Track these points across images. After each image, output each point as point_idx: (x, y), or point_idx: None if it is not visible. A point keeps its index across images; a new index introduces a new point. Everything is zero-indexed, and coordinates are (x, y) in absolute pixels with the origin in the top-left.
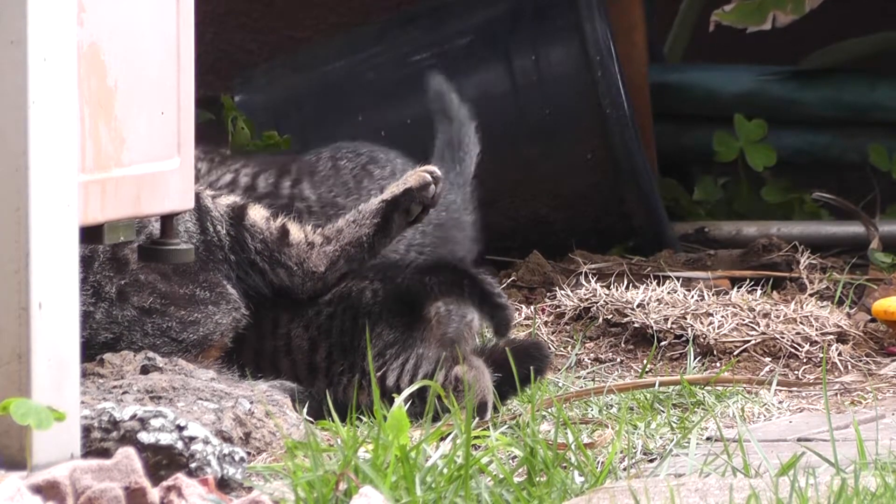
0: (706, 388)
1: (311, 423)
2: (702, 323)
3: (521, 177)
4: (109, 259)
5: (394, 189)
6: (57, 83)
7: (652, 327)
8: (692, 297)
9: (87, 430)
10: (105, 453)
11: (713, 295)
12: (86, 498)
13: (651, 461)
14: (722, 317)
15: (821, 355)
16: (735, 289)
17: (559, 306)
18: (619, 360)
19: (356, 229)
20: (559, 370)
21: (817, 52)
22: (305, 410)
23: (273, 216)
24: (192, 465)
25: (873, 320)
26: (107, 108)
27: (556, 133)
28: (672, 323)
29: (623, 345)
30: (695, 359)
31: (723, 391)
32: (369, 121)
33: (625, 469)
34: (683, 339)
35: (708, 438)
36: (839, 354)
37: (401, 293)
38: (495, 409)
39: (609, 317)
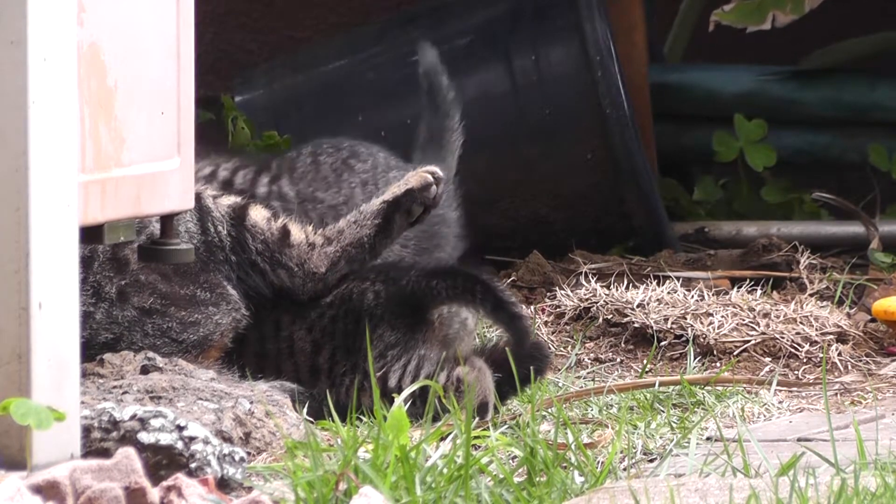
0: (706, 388)
1: (311, 423)
2: (702, 323)
3: (521, 177)
4: (110, 259)
5: (395, 189)
6: (57, 83)
7: (652, 327)
8: (692, 297)
9: (87, 430)
10: (105, 453)
11: (713, 295)
12: (86, 498)
13: (651, 461)
14: (722, 317)
15: (821, 355)
16: (735, 289)
17: (559, 306)
18: (619, 360)
19: (357, 230)
20: (559, 370)
21: (817, 52)
22: (305, 410)
23: (274, 217)
24: (192, 465)
25: (873, 320)
26: (107, 108)
27: (556, 133)
28: (672, 323)
29: (623, 345)
30: (695, 359)
31: (723, 391)
32: (369, 121)
33: (625, 469)
34: (683, 339)
35: (708, 438)
36: (839, 354)
37: (405, 295)
38: (495, 409)
39: (609, 317)
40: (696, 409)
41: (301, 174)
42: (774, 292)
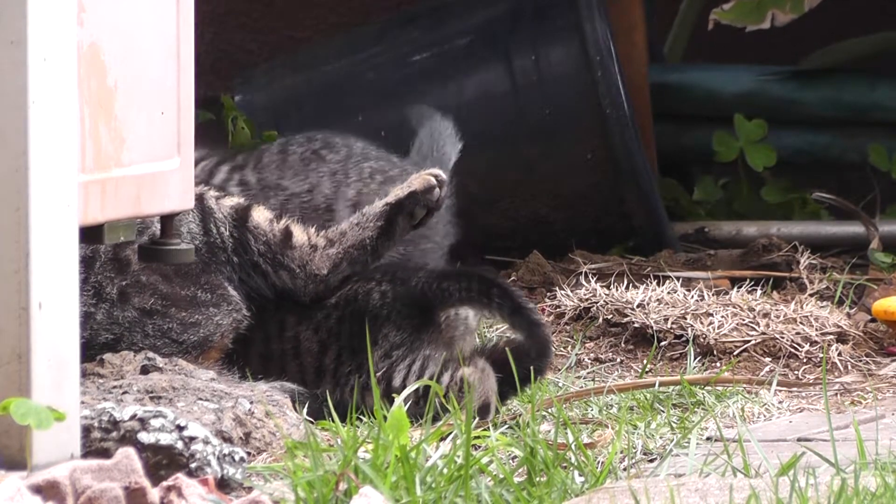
0: (706, 388)
1: (312, 423)
2: (702, 323)
3: (521, 177)
4: (111, 260)
5: (398, 192)
6: (57, 83)
7: (652, 327)
8: (692, 297)
9: (87, 430)
10: (105, 453)
11: (713, 295)
12: (86, 498)
13: (651, 461)
14: (722, 317)
15: (821, 355)
16: (735, 289)
17: (559, 306)
18: (619, 360)
19: (359, 232)
20: (559, 370)
21: (817, 52)
22: (305, 411)
23: (276, 218)
24: (192, 465)
25: (873, 320)
26: (107, 108)
27: (556, 133)
28: (672, 323)
29: (623, 345)
30: (695, 359)
31: (723, 391)
32: (369, 121)
33: (625, 469)
34: (683, 339)
35: (708, 438)
36: (839, 354)
37: (413, 296)
38: (496, 409)
39: (609, 317)
40: (696, 409)
41: (266, 163)
42: (774, 292)
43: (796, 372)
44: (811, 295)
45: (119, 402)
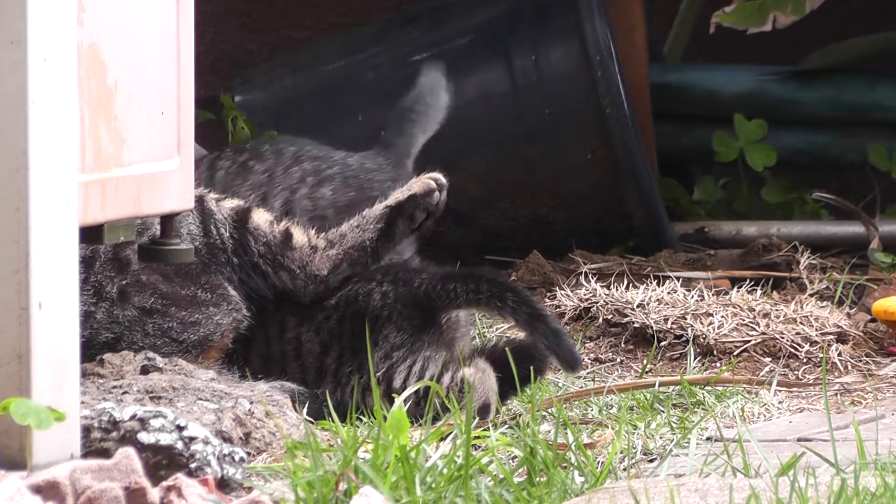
0: (706, 388)
1: (312, 423)
2: (702, 323)
3: (521, 177)
4: (111, 259)
5: (398, 195)
6: (57, 83)
7: (652, 327)
8: (692, 297)
9: (87, 430)
10: (105, 453)
11: (713, 295)
12: (86, 498)
13: (651, 461)
14: (722, 317)
15: (821, 355)
16: (735, 289)
17: (559, 306)
18: (619, 360)
19: (360, 234)
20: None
21: (817, 52)
22: (305, 411)
23: (277, 220)
24: (192, 465)
25: (873, 320)
26: (107, 108)
27: (556, 133)
28: (672, 323)
29: (623, 345)
30: (695, 359)
31: (723, 391)
32: (369, 121)
33: (625, 469)
34: (683, 339)
35: (708, 438)
36: (839, 354)
37: (416, 297)
38: (496, 410)
39: (609, 317)
40: (696, 409)
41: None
42: (774, 292)
43: (796, 372)
44: (811, 295)
45: (119, 402)
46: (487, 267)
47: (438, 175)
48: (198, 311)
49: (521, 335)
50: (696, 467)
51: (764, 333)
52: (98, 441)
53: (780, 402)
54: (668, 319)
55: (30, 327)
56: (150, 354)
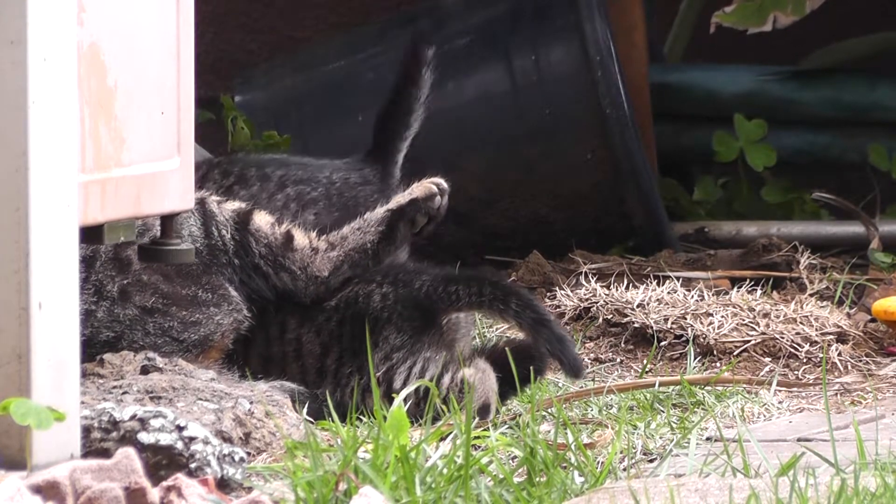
0: (706, 388)
1: (311, 423)
2: (702, 323)
3: (521, 177)
4: (112, 259)
5: (399, 199)
6: (57, 83)
7: (652, 327)
8: (692, 297)
9: (87, 430)
10: (105, 453)
11: (713, 295)
12: (86, 498)
13: (651, 461)
14: (722, 317)
15: (821, 355)
16: (735, 289)
17: (559, 306)
18: (619, 360)
19: (361, 236)
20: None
21: (817, 52)
22: (305, 411)
23: (278, 222)
24: (192, 466)
25: (873, 320)
26: (107, 108)
27: (556, 133)
28: (672, 323)
29: (623, 345)
30: (695, 359)
31: (723, 391)
32: (369, 121)
33: (625, 469)
34: (683, 339)
35: (708, 438)
36: (839, 354)
37: (417, 299)
38: (496, 410)
39: (609, 317)
40: (696, 409)
41: None
42: (774, 292)
43: (796, 372)
44: (811, 295)
45: (119, 402)
46: (489, 268)
47: (440, 180)
48: (198, 310)
49: (522, 335)
50: (696, 467)
51: (764, 333)
52: (98, 441)
53: (780, 402)
54: (668, 319)
55: (30, 327)
56: (150, 354)
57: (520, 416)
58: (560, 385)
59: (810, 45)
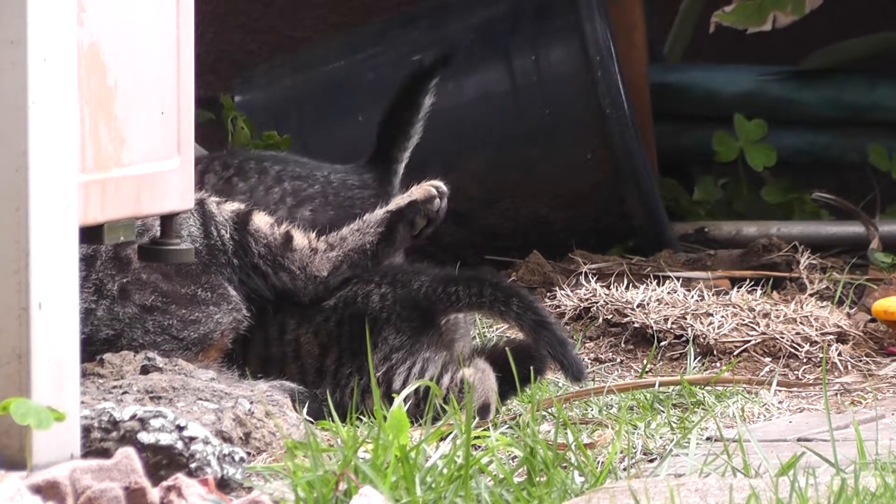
0: (706, 388)
1: (311, 423)
2: (702, 323)
3: (521, 177)
4: (112, 258)
5: (399, 201)
6: (57, 83)
7: (652, 327)
8: (692, 297)
9: (87, 430)
10: (105, 453)
11: (713, 295)
12: (86, 498)
13: (651, 461)
14: (722, 317)
15: (821, 355)
16: (735, 289)
17: (559, 306)
18: (619, 360)
19: (360, 237)
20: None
21: (817, 52)
22: (305, 411)
23: (277, 223)
24: (192, 465)
25: (873, 320)
26: (107, 108)
27: (556, 133)
28: (672, 323)
29: (623, 345)
30: (695, 359)
31: (723, 391)
32: (369, 121)
33: (625, 469)
34: (683, 339)
35: (708, 438)
36: (839, 354)
37: (416, 299)
38: (496, 410)
39: (609, 317)
40: (696, 409)
41: None
42: (774, 292)
43: (796, 372)
44: (811, 295)
45: (119, 402)
46: (489, 268)
47: (439, 183)
48: (198, 309)
49: (522, 336)
50: (696, 467)
51: (764, 333)
52: (98, 441)
53: (780, 402)
54: (668, 319)
55: (30, 327)
56: (150, 354)
57: (520, 416)
58: (560, 385)
59: (810, 45)
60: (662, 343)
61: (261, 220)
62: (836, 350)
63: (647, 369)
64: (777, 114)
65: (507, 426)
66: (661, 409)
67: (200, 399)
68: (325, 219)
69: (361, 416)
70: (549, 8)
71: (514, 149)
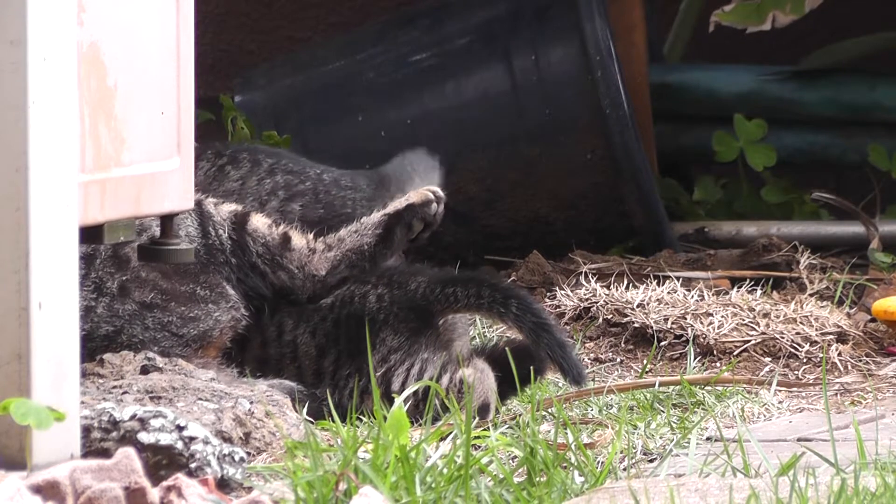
0: (706, 388)
1: (312, 423)
2: (702, 323)
3: (521, 177)
4: (111, 257)
5: (396, 204)
6: (57, 83)
7: (652, 327)
8: (692, 297)
9: (87, 430)
10: (105, 453)
11: (713, 295)
12: (86, 498)
13: (651, 461)
14: (722, 317)
15: (821, 355)
16: (735, 289)
17: (559, 306)
18: (619, 360)
19: (358, 238)
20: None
21: (817, 52)
22: (305, 411)
23: (275, 224)
24: (192, 465)
25: (873, 320)
26: (107, 108)
27: (556, 133)
28: (672, 323)
29: (623, 345)
30: (695, 359)
31: (723, 391)
32: (369, 121)
33: (625, 469)
34: (683, 339)
35: (708, 438)
36: (839, 354)
37: (413, 300)
38: (496, 409)
39: (609, 317)
40: (696, 409)
41: None
42: (774, 292)
43: (796, 372)
44: (811, 295)
45: (119, 402)
46: (489, 268)
47: (436, 188)
48: (197, 307)
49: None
50: (696, 467)
51: (764, 333)
52: (98, 441)
53: (780, 402)
54: (668, 319)
55: (30, 327)
56: (150, 354)
57: (520, 416)
58: (560, 385)
59: (810, 45)
60: (662, 343)
61: (259, 221)
62: (836, 350)
63: (647, 369)
64: (777, 114)
65: (507, 426)
66: (661, 409)
67: (200, 399)
68: (315, 215)
69: (361, 416)
70: (548, 8)
71: (514, 149)
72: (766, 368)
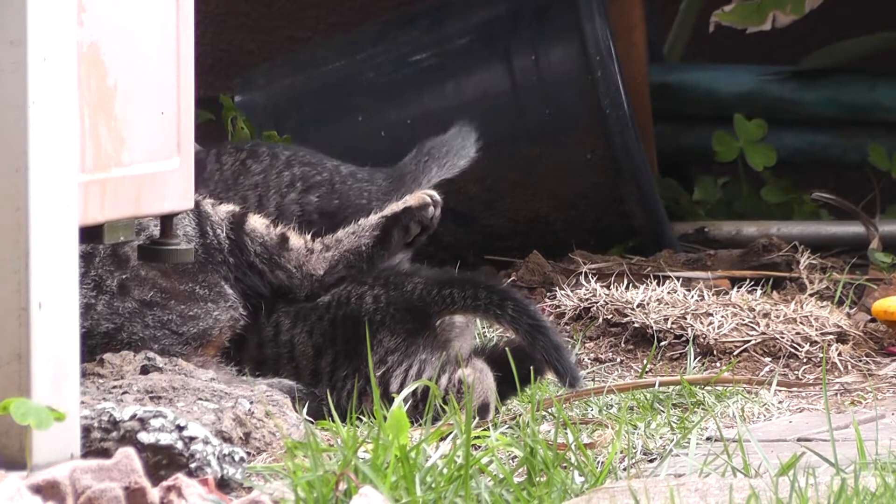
0: (706, 388)
1: (311, 423)
2: (702, 323)
3: (521, 177)
4: (110, 255)
5: (394, 206)
6: (57, 83)
7: (652, 327)
8: (692, 297)
9: (87, 430)
10: (105, 453)
11: (713, 295)
12: (86, 498)
13: (651, 461)
14: (722, 317)
15: (821, 355)
16: (735, 289)
17: (559, 306)
18: (619, 360)
19: (356, 239)
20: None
21: (817, 52)
22: (305, 410)
23: (273, 224)
24: (192, 465)
25: (873, 320)
26: (107, 108)
27: (556, 133)
28: (672, 323)
29: (623, 345)
30: (695, 359)
31: (723, 391)
32: (369, 121)
33: (625, 469)
34: (683, 339)
35: (708, 438)
36: (839, 354)
37: (409, 301)
38: (496, 409)
39: (609, 317)
40: (696, 409)
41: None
42: (774, 292)
43: (796, 372)
44: (811, 295)
45: (119, 402)
46: (489, 268)
47: (433, 192)
48: (196, 305)
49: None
50: (696, 467)
51: (764, 333)
52: (98, 441)
53: (780, 402)
54: (668, 319)
55: (30, 327)
56: (150, 354)
57: (520, 416)
58: (560, 385)
59: (810, 45)
60: (662, 343)
61: (256, 222)
62: (836, 350)
63: (647, 369)
64: (777, 114)
65: (506, 426)
66: (661, 409)
67: (200, 399)
68: (331, 206)
69: (361, 416)
70: (548, 8)
71: (514, 149)
72: (766, 368)
